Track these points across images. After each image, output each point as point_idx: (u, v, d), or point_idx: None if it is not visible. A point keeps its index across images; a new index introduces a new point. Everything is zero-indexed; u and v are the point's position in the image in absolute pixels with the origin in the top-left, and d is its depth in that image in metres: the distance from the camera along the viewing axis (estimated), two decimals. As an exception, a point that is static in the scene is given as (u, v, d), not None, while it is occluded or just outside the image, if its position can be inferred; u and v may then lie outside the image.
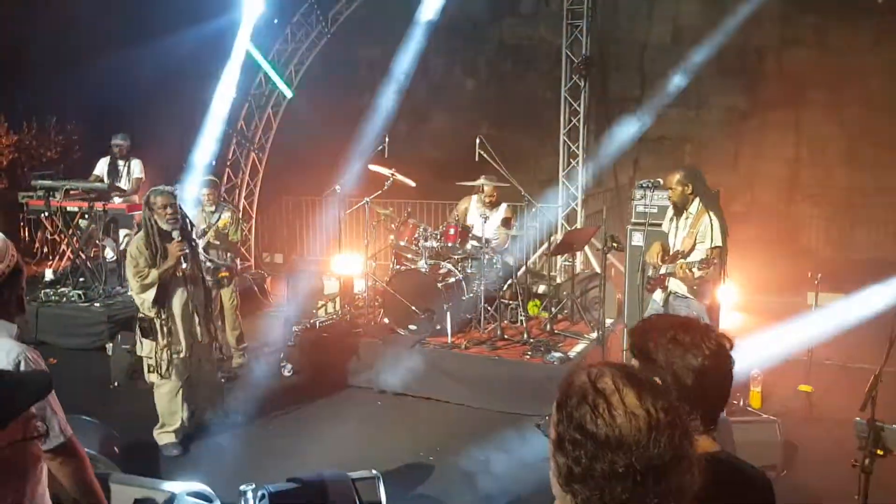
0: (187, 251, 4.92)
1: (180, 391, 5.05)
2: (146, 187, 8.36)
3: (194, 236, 5.26)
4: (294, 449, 5.19)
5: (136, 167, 8.26)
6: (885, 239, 9.46)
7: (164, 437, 5.13)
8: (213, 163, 9.47)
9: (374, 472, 4.36)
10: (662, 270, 5.00)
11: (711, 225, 4.92)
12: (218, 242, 6.59)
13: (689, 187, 5.03)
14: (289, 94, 10.09)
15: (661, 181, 5.39)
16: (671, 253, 5.06)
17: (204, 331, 5.11)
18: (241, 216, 8.73)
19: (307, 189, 10.61)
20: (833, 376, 5.95)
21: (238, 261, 7.84)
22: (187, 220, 5.12)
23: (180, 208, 5.02)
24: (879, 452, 3.25)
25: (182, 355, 4.96)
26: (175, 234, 4.86)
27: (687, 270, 4.69)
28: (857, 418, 3.27)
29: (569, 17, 8.62)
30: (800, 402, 5.60)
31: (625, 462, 1.08)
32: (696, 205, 5.05)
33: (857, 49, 9.21)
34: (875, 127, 9.17)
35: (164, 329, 4.88)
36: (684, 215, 5.12)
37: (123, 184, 8.13)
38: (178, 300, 4.96)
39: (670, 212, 5.30)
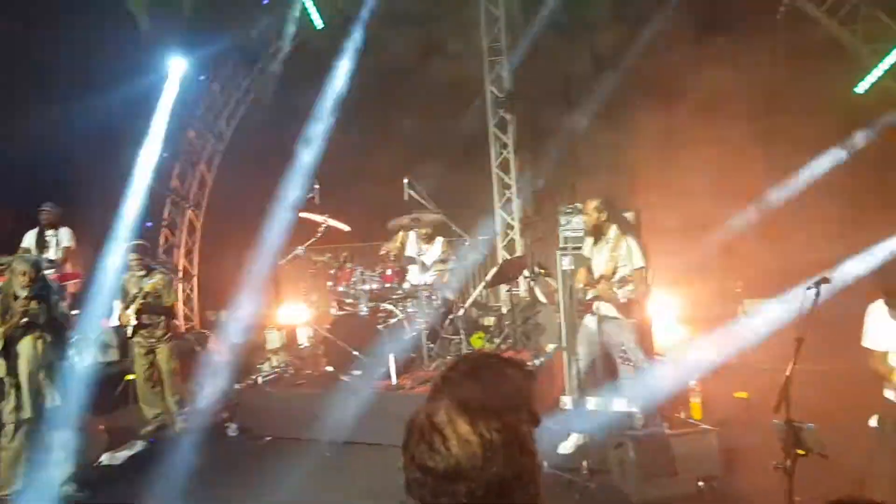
0: (33, 308, 4.94)
1: (24, 455, 4.91)
2: (76, 256, 8.19)
3: (54, 299, 5.28)
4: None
5: (65, 236, 8.08)
6: (819, 239, 9.72)
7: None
8: (149, 224, 9.32)
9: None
10: (589, 295, 5.11)
11: (630, 249, 5.10)
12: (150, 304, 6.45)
13: (604, 214, 5.24)
14: (319, 23, 9.60)
15: (580, 206, 5.53)
16: (596, 277, 5.19)
17: (56, 394, 5.05)
18: (180, 276, 8.61)
19: (249, 242, 10.50)
20: (768, 380, 6.05)
21: (175, 322, 7.68)
22: (47, 286, 5.19)
23: (42, 277, 5.12)
24: (801, 452, 3.32)
25: (28, 417, 4.86)
26: (23, 292, 4.90)
27: (610, 291, 4.81)
28: (775, 420, 3.35)
29: (489, 54, 8.83)
30: (738, 409, 5.70)
31: (465, 490, 1.10)
32: (613, 230, 5.24)
33: (766, 63, 9.63)
34: (792, 133, 9.52)
35: (12, 391, 4.84)
36: (604, 240, 5.28)
37: (52, 254, 7.92)
38: (24, 361, 4.91)
39: (589, 239, 5.45)
